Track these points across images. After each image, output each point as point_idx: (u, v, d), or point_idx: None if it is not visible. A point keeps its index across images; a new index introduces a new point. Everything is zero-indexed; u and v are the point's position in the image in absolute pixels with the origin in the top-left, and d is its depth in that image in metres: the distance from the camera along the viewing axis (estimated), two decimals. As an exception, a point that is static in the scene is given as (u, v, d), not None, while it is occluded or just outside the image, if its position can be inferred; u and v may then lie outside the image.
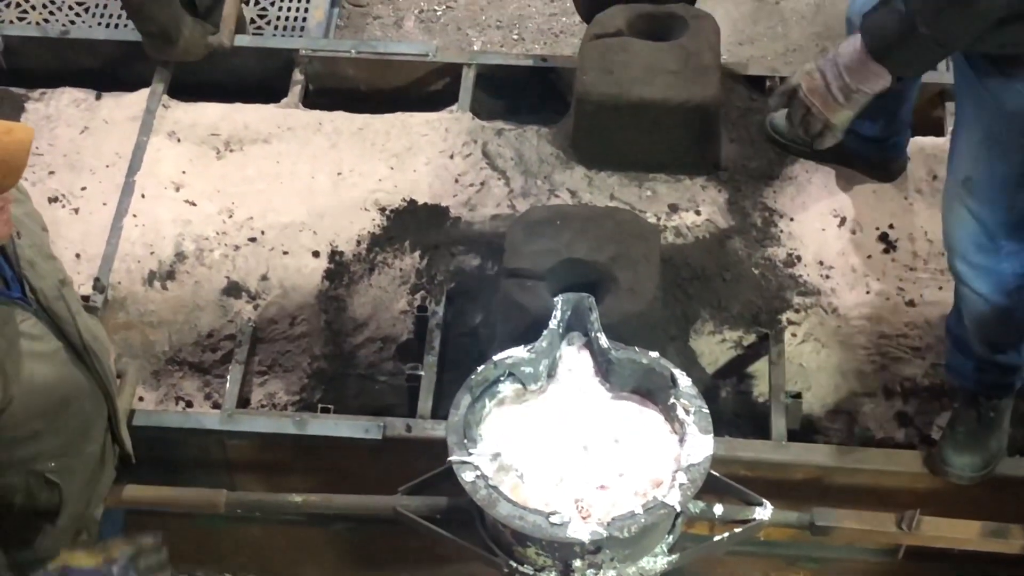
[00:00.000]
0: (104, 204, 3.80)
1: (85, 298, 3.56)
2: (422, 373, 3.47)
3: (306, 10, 5.12)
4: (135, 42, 4.08)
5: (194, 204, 3.80)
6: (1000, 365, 3.22)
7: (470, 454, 2.83)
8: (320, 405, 3.54)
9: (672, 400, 2.90)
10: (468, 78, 4.07)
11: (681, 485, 2.78)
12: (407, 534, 3.18)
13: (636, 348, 2.98)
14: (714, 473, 2.90)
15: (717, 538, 3.04)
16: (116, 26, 5.00)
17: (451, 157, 3.87)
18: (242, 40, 4.19)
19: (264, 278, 3.69)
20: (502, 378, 2.97)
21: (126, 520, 3.42)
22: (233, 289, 3.68)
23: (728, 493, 3.05)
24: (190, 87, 4.08)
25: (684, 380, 2.92)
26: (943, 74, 3.85)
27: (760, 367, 3.62)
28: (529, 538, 2.77)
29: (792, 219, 3.74)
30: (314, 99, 4.13)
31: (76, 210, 3.80)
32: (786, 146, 3.83)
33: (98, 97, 4.05)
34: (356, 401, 3.65)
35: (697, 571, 3.53)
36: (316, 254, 3.71)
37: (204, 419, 3.50)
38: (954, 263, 3.12)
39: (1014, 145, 2.88)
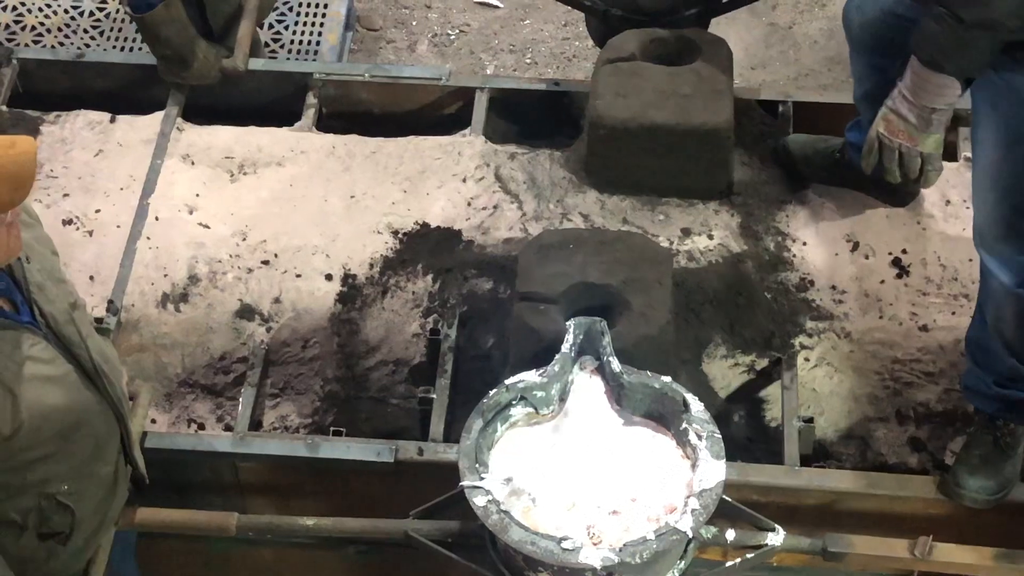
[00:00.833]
0: (118, 227, 3.81)
1: (99, 320, 3.56)
2: (434, 396, 3.47)
3: (320, 34, 5.14)
4: (150, 65, 4.10)
5: (207, 227, 3.81)
6: (1020, 380, 3.20)
7: (482, 478, 2.82)
8: (332, 428, 3.53)
9: (684, 425, 2.89)
10: (481, 102, 4.08)
11: (693, 511, 2.77)
12: (419, 558, 3.17)
13: (648, 372, 2.98)
14: (726, 498, 2.89)
15: (729, 564, 3.03)
16: (131, 49, 5.03)
17: (464, 181, 3.88)
18: (256, 63, 4.19)
19: (277, 301, 3.69)
20: (514, 402, 2.96)
21: (138, 542, 3.43)
22: (246, 312, 3.68)
23: (740, 518, 3.03)
24: (204, 110, 4.10)
25: (696, 405, 2.91)
26: (956, 99, 3.86)
27: (773, 392, 3.62)
28: (541, 563, 2.76)
29: (805, 243, 3.74)
30: (328, 122, 4.14)
31: (90, 233, 3.81)
32: (799, 170, 3.84)
33: (113, 120, 4.06)
34: (368, 424, 3.65)
35: (709, 597, 3.52)
36: (329, 277, 3.71)
37: (216, 442, 3.50)
38: (980, 250, 3.12)
39: None
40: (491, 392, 2.95)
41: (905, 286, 3.65)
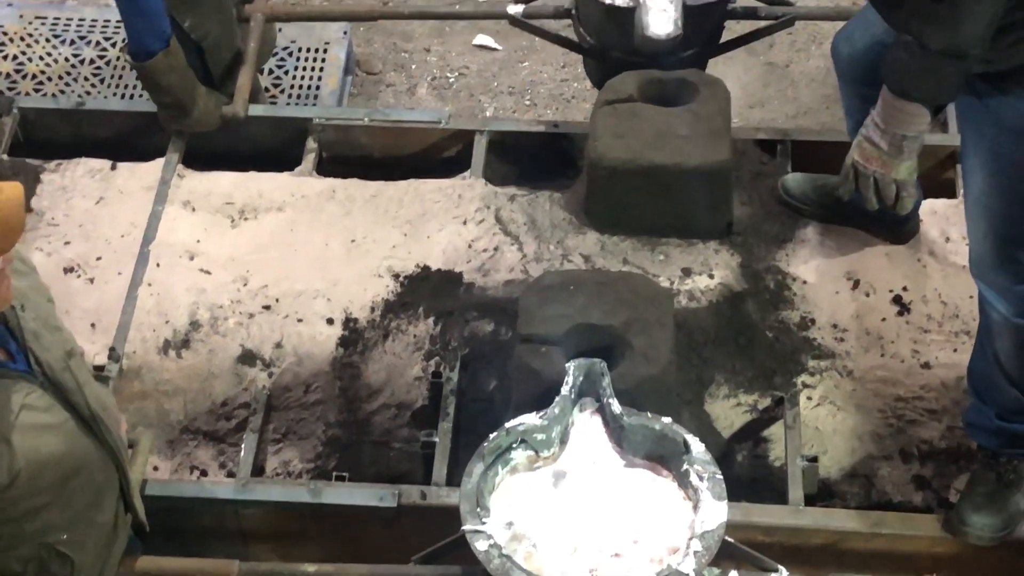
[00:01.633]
0: (119, 273, 3.82)
1: (99, 368, 3.56)
2: (437, 440, 3.47)
3: (320, 78, 5.16)
4: (150, 113, 4.11)
5: (208, 272, 3.81)
6: (1022, 413, 3.18)
7: (483, 523, 2.82)
8: (335, 473, 3.53)
9: (686, 466, 2.89)
10: (480, 144, 4.10)
11: (696, 552, 2.76)
12: (422, 603, 3.16)
13: (648, 414, 2.97)
14: (729, 540, 2.88)
15: (733, 605, 3.02)
16: (131, 97, 5.04)
17: (464, 223, 3.88)
18: (256, 109, 4.22)
19: (278, 346, 3.69)
20: (515, 445, 2.96)
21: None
22: (247, 357, 3.68)
23: (744, 559, 3.02)
24: (205, 156, 4.12)
25: (697, 446, 2.91)
26: (953, 136, 3.86)
27: (776, 431, 3.60)
28: (544, 607, 2.75)
29: (805, 282, 3.74)
30: (328, 167, 4.15)
31: (91, 280, 3.82)
32: (798, 208, 3.85)
33: (113, 167, 4.08)
34: (371, 468, 3.64)
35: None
36: (330, 321, 3.71)
37: (218, 488, 3.49)
38: (977, 281, 3.13)
39: (1017, 159, 2.89)
40: (491, 435, 2.94)
41: (906, 323, 3.65)
